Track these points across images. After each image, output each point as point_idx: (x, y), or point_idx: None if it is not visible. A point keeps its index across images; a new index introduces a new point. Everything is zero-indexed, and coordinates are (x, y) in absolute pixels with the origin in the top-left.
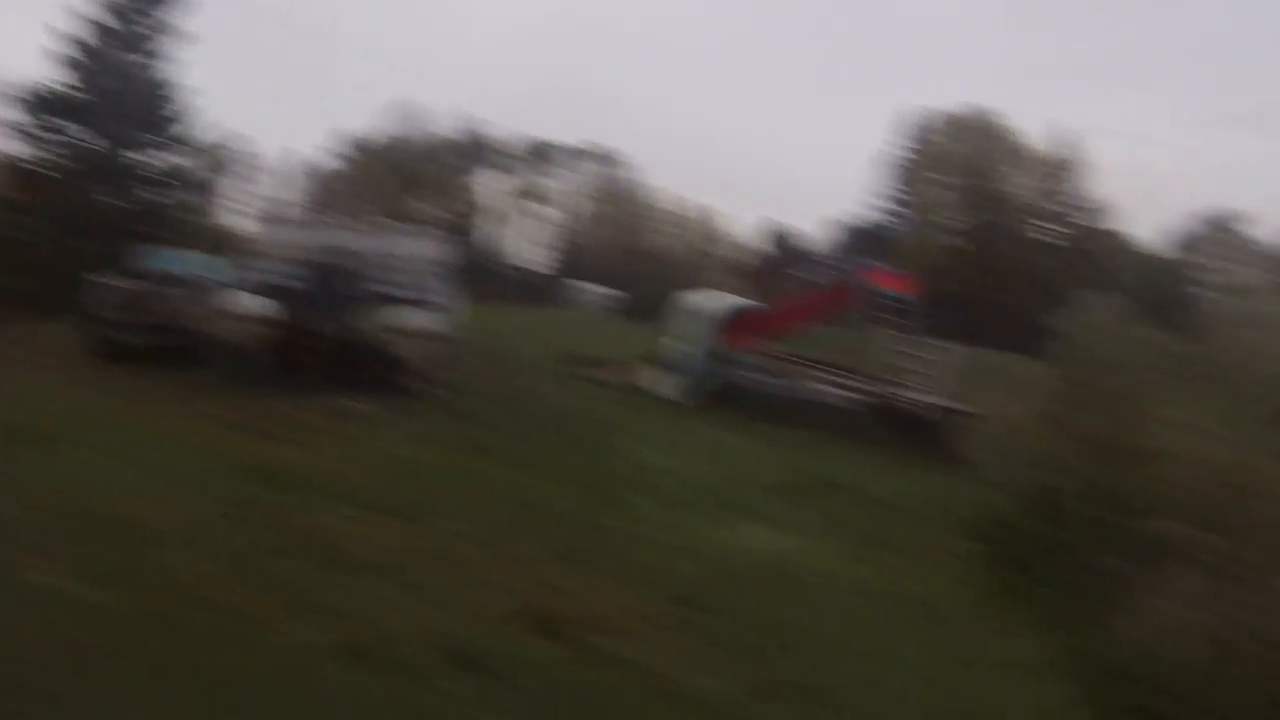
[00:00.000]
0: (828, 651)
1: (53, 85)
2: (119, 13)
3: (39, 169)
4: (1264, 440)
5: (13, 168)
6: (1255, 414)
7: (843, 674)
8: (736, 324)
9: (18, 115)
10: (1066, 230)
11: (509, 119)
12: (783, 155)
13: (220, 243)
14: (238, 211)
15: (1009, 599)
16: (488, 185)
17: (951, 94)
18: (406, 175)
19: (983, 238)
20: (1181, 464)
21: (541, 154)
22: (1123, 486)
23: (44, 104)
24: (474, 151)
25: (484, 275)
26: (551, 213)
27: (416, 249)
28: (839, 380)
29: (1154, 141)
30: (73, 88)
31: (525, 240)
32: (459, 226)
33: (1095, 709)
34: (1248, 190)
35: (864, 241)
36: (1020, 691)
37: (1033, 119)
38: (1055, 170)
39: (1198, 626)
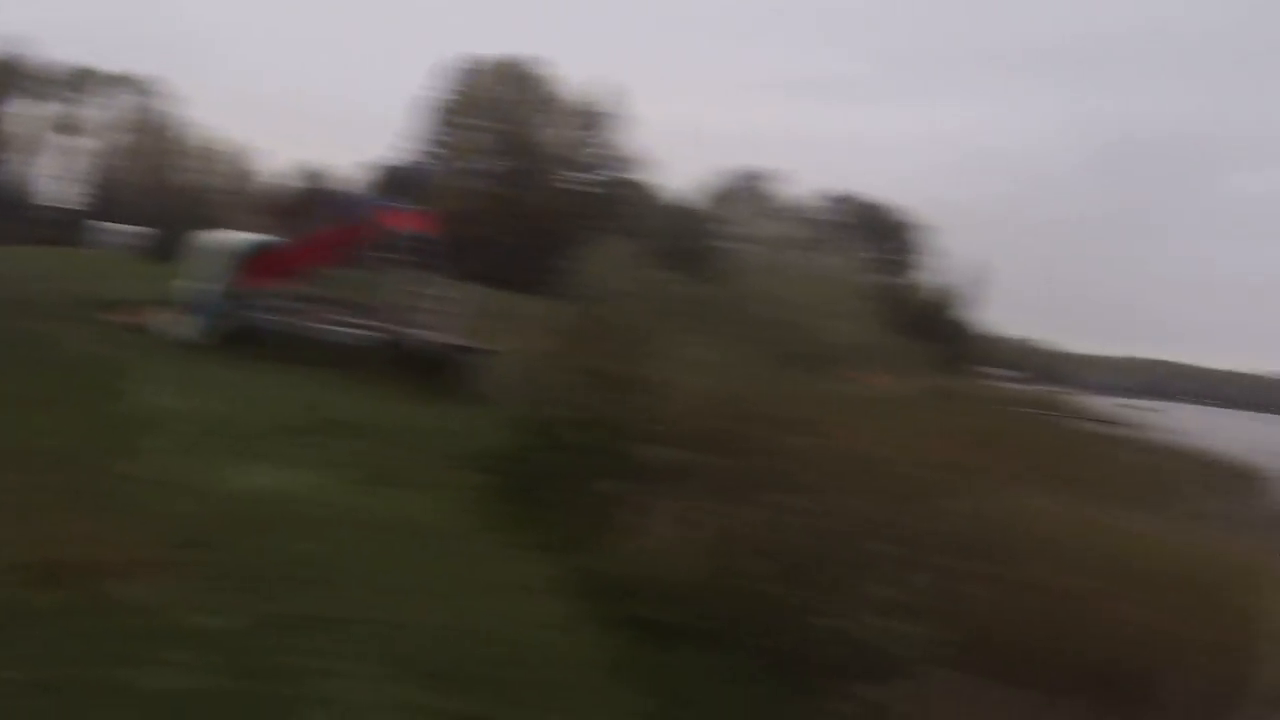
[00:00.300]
0: (340, 584)
1: None
2: None
3: None
4: (767, 376)
5: None
6: (762, 352)
7: (354, 604)
8: (253, 262)
9: None
10: (597, 179)
11: (54, 43)
12: (327, 94)
13: None
14: None
15: (520, 525)
16: (20, 115)
17: (502, 41)
18: None
19: (514, 183)
20: (685, 395)
21: (79, 82)
22: (627, 416)
23: None
24: (7, 78)
25: (4, 211)
26: (84, 145)
27: None
28: (355, 319)
29: (703, 99)
30: None
31: (54, 174)
32: None
33: (599, 622)
34: (786, 151)
35: (397, 182)
36: (529, 610)
37: (581, 70)
38: (592, 121)
39: (693, 541)
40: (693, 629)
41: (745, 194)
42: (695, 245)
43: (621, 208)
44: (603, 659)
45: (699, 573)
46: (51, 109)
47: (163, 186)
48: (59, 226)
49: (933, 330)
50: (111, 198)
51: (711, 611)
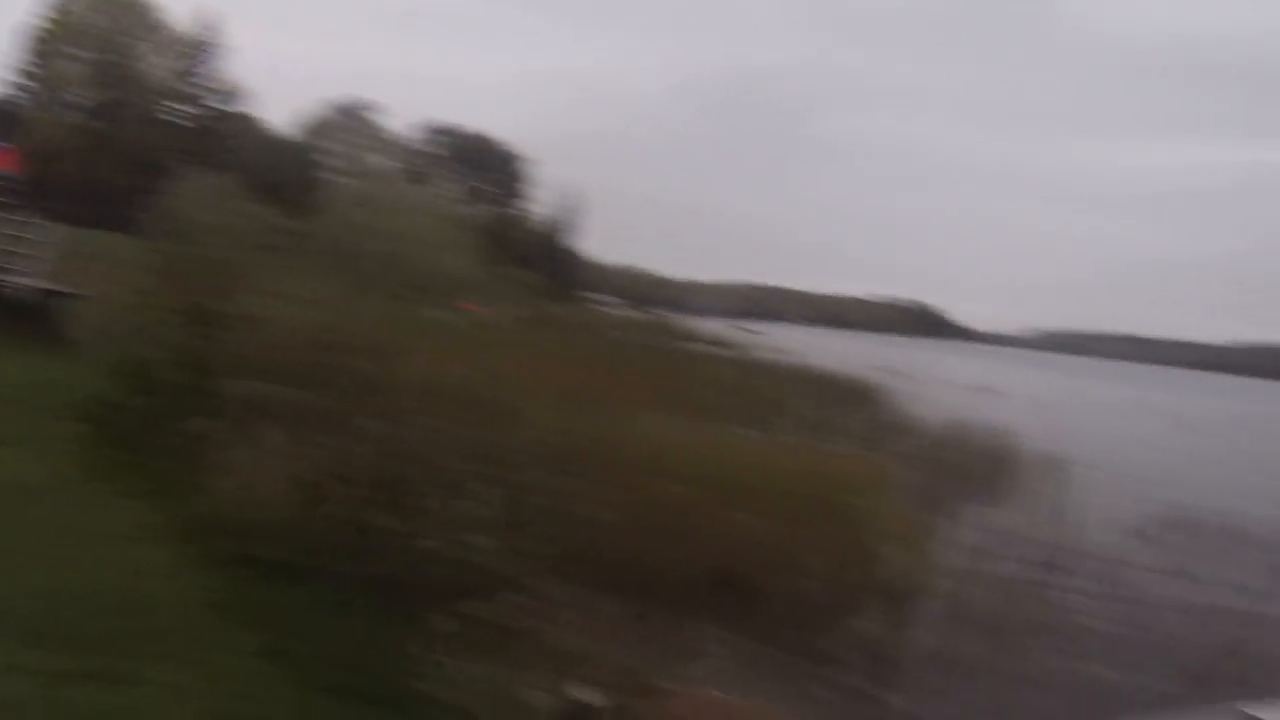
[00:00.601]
0: None
1: None
2: None
3: None
4: (360, 307)
5: None
6: (358, 284)
7: None
8: None
9: None
10: (197, 112)
11: None
12: None
13: None
14: None
15: (120, 474)
16: None
17: None
18: None
19: (110, 116)
20: (275, 329)
21: None
22: (216, 353)
23: None
24: None
25: None
26: None
27: None
28: None
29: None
30: None
31: None
32: None
33: (203, 565)
34: (400, 85)
35: None
36: (132, 558)
37: None
38: (192, 51)
39: (286, 473)
40: (295, 563)
41: (346, 126)
42: (295, 178)
43: (221, 141)
44: (209, 601)
45: (293, 507)
46: None
47: None
48: None
49: (538, 259)
50: None
51: (311, 544)
